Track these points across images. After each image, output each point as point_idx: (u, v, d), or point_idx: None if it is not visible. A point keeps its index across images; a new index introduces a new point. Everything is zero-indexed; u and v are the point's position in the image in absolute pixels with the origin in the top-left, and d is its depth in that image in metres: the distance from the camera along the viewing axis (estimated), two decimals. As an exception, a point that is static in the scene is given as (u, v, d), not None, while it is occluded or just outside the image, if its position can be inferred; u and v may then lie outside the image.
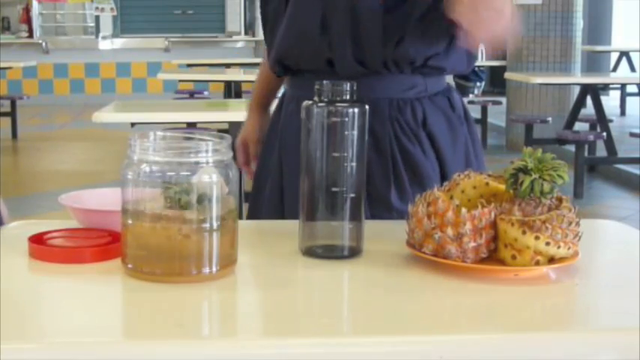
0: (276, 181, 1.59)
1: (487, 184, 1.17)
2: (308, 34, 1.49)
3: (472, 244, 1.07)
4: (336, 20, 1.47)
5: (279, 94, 1.75)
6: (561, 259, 1.09)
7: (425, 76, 1.52)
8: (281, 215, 1.55)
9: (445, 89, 1.57)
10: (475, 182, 1.17)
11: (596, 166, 6.78)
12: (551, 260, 1.09)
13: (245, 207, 3.86)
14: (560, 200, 1.12)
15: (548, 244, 1.06)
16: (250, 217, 1.67)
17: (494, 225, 1.09)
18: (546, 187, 1.09)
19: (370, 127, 1.46)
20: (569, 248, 1.08)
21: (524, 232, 1.06)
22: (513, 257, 1.08)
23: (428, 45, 1.48)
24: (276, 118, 1.66)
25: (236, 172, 1.08)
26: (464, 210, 1.07)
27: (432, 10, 1.46)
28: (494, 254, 1.10)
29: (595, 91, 6.66)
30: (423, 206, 1.11)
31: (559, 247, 1.07)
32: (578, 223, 1.10)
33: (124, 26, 12.23)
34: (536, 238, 1.06)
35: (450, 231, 1.07)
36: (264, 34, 1.64)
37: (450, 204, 1.08)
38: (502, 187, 1.17)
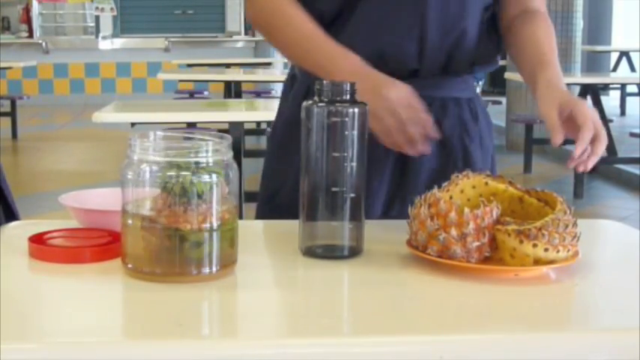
0: None
1: (486, 183, 1.17)
2: (404, 50, 1.45)
3: (476, 243, 1.08)
4: (434, 43, 1.45)
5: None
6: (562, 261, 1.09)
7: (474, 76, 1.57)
8: None
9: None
10: (474, 182, 1.17)
11: (596, 166, 6.76)
12: (552, 261, 1.09)
13: (246, 207, 3.84)
14: (554, 202, 1.12)
15: (546, 250, 1.06)
16: (264, 216, 1.57)
17: (496, 223, 1.09)
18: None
19: (440, 126, 1.47)
20: (568, 251, 1.08)
21: (521, 242, 1.06)
22: (512, 256, 1.08)
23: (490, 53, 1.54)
24: (288, 108, 1.57)
25: (236, 172, 1.08)
26: (466, 210, 1.07)
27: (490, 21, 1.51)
28: (494, 254, 1.11)
29: (595, 91, 6.65)
30: (425, 208, 1.11)
31: (558, 251, 1.07)
32: (575, 224, 1.10)
33: (124, 26, 12.23)
34: (534, 245, 1.06)
35: (453, 231, 1.07)
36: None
37: (451, 205, 1.08)
38: (501, 186, 1.17)
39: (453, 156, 1.50)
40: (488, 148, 1.58)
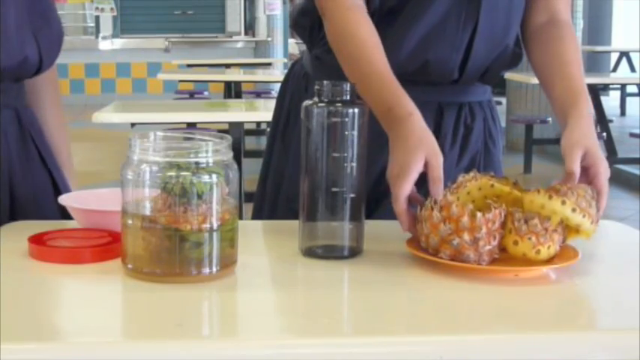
0: None
1: (492, 185, 1.17)
2: (449, 63, 1.45)
3: (488, 247, 1.08)
4: (479, 56, 1.46)
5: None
6: (578, 232, 1.11)
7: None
8: None
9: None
10: (481, 184, 1.18)
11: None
12: (552, 260, 1.09)
13: (246, 207, 3.83)
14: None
15: (574, 210, 1.07)
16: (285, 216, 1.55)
17: (503, 225, 1.10)
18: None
19: (469, 128, 1.50)
20: (592, 222, 1.09)
21: (550, 197, 1.07)
22: (515, 243, 1.08)
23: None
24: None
25: (236, 172, 1.08)
26: (479, 215, 1.07)
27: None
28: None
29: (595, 92, 6.66)
30: (437, 211, 1.11)
31: (584, 215, 1.08)
32: (595, 198, 1.13)
33: (124, 26, 12.22)
34: (563, 202, 1.07)
35: (466, 236, 1.07)
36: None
37: (464, 209, 1.08)
38: (506, 188, 1.18)
39: (477, 159, 1.52)
40: (501, 148, 1.60)
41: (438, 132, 1.46)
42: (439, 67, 1.44)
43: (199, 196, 1.03)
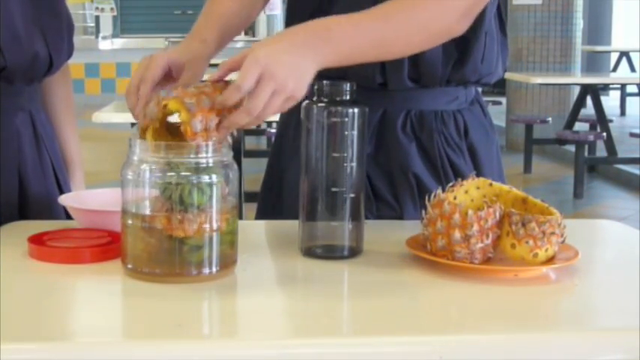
0: None
1: (490, 184, 1.17)
2: (367, 70, 1.38)
3: (480, 244, 1.08)
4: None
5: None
6: None
7: (466, 87, 1.50)
8: None
9: (476, 94, 1.55)
10: (479, 183, 1.18)
11: (596, 166, 6.78)
12: (551, 260, 1.09)
13: (246, 207, 3.83)
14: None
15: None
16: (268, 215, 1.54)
17: (499, 224, 1.10)
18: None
19: (418, 139, 1.45)
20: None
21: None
22: (513, 246, 1.08)
23: (485, 65, 1.47)
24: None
25: (236, 172, 1.08)
26: (470, 212, 1.07)
27: (491, 29, 1.46)
28: (495, 254, 1.11)
29: (595, 92, 6.66)
30: (431, 208, 1.11)
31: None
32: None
33: (124, 26, 12.24)
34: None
35: (457, 233, 1.07)
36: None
37: (456, 206, 1.08)
38: (505, 187, 1.18)
39: (438, 167, 1.45)
40: (485, 159, 1.51)
41: (382, 137, 1.43)
42: (357, 70, 1.39)
43: (199, 197, 1.03)
